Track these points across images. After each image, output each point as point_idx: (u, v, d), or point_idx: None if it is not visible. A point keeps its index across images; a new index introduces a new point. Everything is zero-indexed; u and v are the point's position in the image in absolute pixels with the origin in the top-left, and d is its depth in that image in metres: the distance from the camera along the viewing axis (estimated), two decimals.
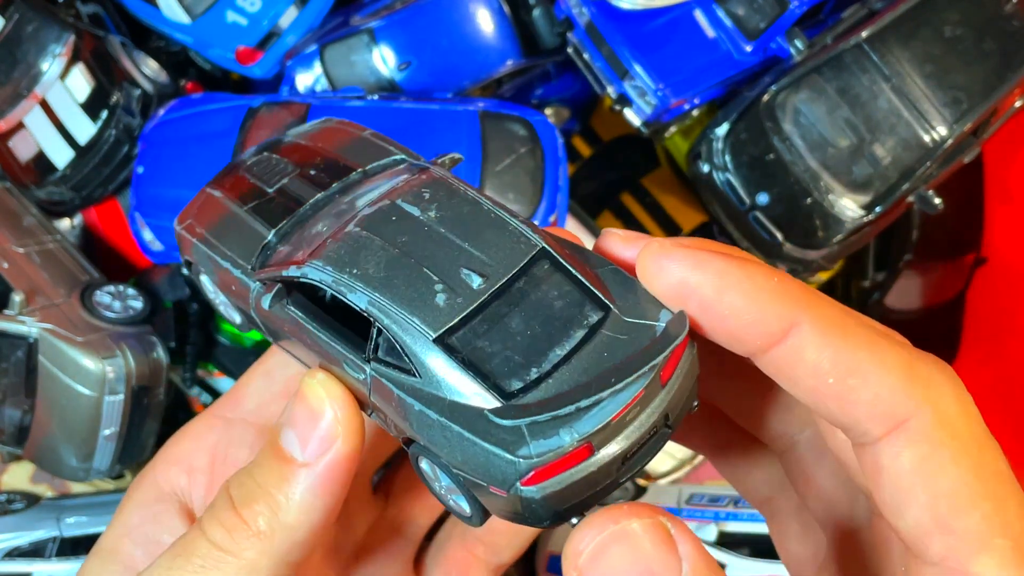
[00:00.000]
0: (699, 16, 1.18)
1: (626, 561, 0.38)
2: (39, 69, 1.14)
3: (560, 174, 1.13)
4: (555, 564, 1.21)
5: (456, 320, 0.42)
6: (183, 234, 0.55)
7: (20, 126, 1.16)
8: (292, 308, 0.48)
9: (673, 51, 1.17)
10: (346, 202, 0.50)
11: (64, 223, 1.25)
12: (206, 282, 0.56)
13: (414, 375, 0.43)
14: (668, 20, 1.18)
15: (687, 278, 0.42)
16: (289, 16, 1.23)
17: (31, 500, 1.19)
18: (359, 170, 0.53)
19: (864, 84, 1.11)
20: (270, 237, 0.50)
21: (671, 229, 1.29)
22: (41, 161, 1.18)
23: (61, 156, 1.18)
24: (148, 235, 1.15)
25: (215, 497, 0.48)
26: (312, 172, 0.54)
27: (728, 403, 0.54)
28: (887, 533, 0.47)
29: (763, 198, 1.13)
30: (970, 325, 1.30)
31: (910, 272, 1.30)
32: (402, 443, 0.47)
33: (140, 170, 1.15)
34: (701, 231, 1.31)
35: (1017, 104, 1.15)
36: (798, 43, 1.16)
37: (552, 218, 1.13)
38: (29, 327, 1.06)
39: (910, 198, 1.13)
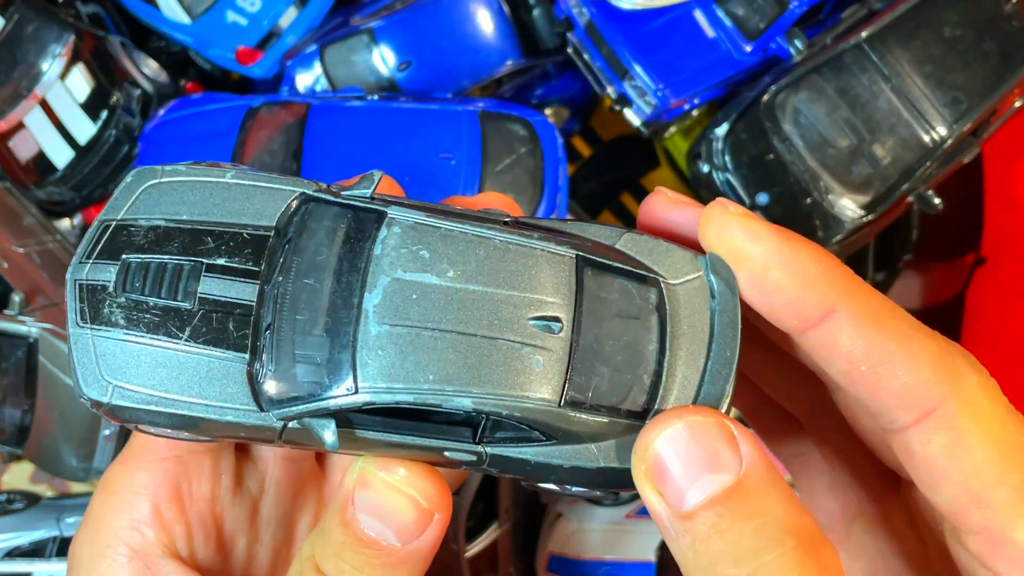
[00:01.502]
0: (699, 16, 1.18)
1: (690, 458, 0.40)
2: (39, 69, 1.14)
3: (560, 174, 1.13)
4: (555, 564, 1.21)
5: (564, 379, 0.42)
6: (117, 405, 0.43)
7: (20, 126, 1.16)
8: (365, 432, 0.44)
9: (673, 51, 1.17)
10: (308, 284, 0.44)
11: (64, 223, 1.25)
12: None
13: (549, 443, 0.43)
14: (668, 20, 1.18)
15: (741, 248, 0.44)
16: (289, 16, 1.23)
17: (31, 500, 1.18)
18: (269, 229, 0.45)
19: (864, 84, 1.11)
20: (245, 364, 0.43)
21: None
22: (41, 161, 1.18)
23: (61, 156, 1.18)
24: None
25: (300, 569, 0.47)
26: (220, 261, 0.44)
27: (758, 372, 0.55)
28: (920, 497, 0.49)
29: (763, 198, 1.13)
30: (970, 325, 1.30)
31: (910, 272, 1.30)
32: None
33: None
34: None
35: (1017, 104, 1.15)
36: (798, 43, 1.16)
37: (552, 218, 1.13)
38: (29, 327, 1.06)
39: (910, 198, 1.13)
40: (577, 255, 0.45)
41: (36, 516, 1.14)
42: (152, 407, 0.44)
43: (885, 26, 1.11)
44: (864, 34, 1.11)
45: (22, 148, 1.18)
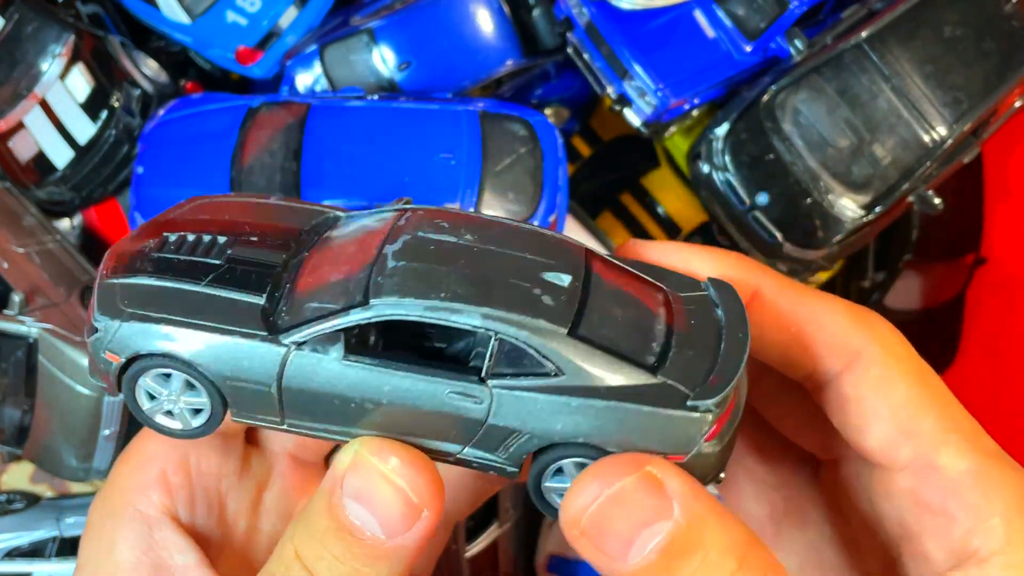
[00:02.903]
0: (699, 16, 1.18)
1: (624, 519, 0.41)
2: (39, 69, 1.14)
3: (560, 174, 1.13)
4: (555, 564, 1.22)
5: (574, 314, 0.43)
6: (116, 340, 0.46)
7: (20, 126, 1.16)
8: (361, 359, 0.44)
9: (673, 51, 1.17)
10: (332, 253, 0.47)
11: (64, 223, 1.25)
12: (149, 389, 0.49)
13: (556, 374, 0.43)
14: (668, 20, 1.18)
15: (672, 262, 0.51)
16: (289, 16, 1.23)
17: (31, 500, 1.18)
18: (305, 229, 0.50)
19: (864, 84, 1.11)
20: (262, 302, 0.46)
21: (671, 229, 1.29)
22: (41, 161, 1.18)
23: (61, 156, 1.18)
24: None
25: (281, 559, 0.47)
26: (254, 238, 0.49)
27: None
28: (842, 474, 0.55)
29: (763, 198, 1.13)
30: (970, 325, 1.30)
31: (910, 272, 1.30)
32: (531, 459, 0.45)
33: (140, 170, 1.15)
34: (701, 231, 1.31)
35: (1017, 104, 1.15)
36: (798, 43, 1.16)
37: (552, 218, 1.13)
38: (29, 327, 1.06)
39: (910, 198, 1.13)
40: (587, 248, 0.48)
41: (36, 516, 1.14)
42: (162, 328, 0.46)
43: (885, 26, 1.11)
44: (864, 34, 1.11)
45: (22, 148, 1.18)
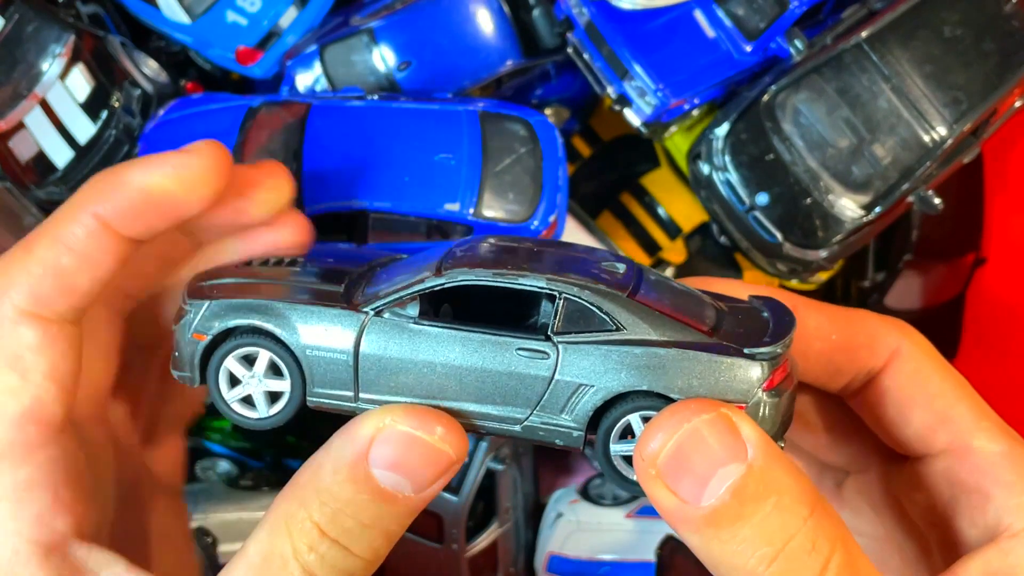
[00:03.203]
0: (699, 16, 1.18)
1: (700, 457, 0.43)
2: (39, 69, 1.14)
3: (560, 174, 1.13)
4: (555, 564, 1.22)
5: (632, 284, 0.48)
6: (203, 319, 0.50)
7: (20, 126, 1.16)
8: (433, 322, 0.48)
9: (673, 51, 1.17)
10: (398, 265, 0.53)
11: None
12: (233, 370, 0.51)
13: (619, 329, 0.46)
14: (668, 20, 1.18)
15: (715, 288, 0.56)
16: (289, 16, 1.23)
17: None
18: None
19: (864, 84, 1.11)
20: (340, 289, 0.51)
21: (671, 229, 1.29)
22: (41, 161, 1.18)
23: (61, 156, 1.18)
24: None
25: (299, 533, 0.47)
26: (326, 262, 0.56)
27: None
28: (862, 488, 0.59)
29: (763, 198, 1.13)
30: (970, 325, 1.30)
31: (910, 272, 1.30)
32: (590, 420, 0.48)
33: None
34: (701, 231, 1.31)
35: (1017, 104, 1.15)
36: (798, 43, 1.16)
37: (552, 218, 1.13)
38: None
39: (910, 198, 1.13)
40: (636, 262, 0.53)
41: None
42: (249, 302, 0.50)
43: (885, 26, 1.12)
44: (864, 34, 1.11)
45: (22, 148, 1.18)
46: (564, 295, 0.46)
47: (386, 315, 0.48)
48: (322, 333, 0.49)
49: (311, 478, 0.46)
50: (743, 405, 0.45)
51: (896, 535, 0.56)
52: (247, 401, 0.52)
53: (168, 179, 0.51)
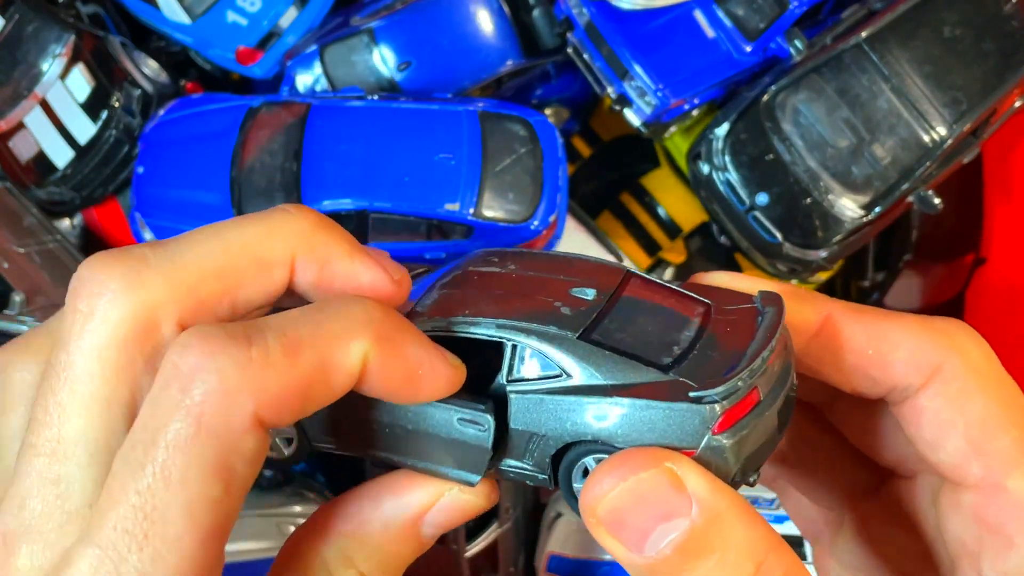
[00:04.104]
0: (699, 16, 1.18)
1: (641, 512, 0.42)
2: (39, 69, 1.15)
3: (560, 174, 1.13)
4: (555, 564, 1.22)
5: (589, 322, 0.45)
6: None
7: (20, 126, 1.16)
8: None
9: (673, 51, 1.17)
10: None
11: (64, 223, 1.25)
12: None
13: (565, 376, 0.45)
14: (668, 20, 1.18)
15: (735, 285, 0.51)
16: (289, 16, 1.23)
17: None
18: None
19: (864, 84, 1.11)
20: None
21: (671, 229, 1.29)
22: (41, 161, 1.18)
23: (61, 156, 1.18)
24: (148, 235, 1.15)
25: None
26: None
27: None
28: (907, 490, 0.54)
29: (763, 198, 1.13)
30: (970, 325, 1.30)
31: (910, 272, 1.30)
32: (550, 462, 0.47)
33: (140, 170, 1.15)
34: (701, 231, 1.31)
35: (1017, 104, 1.15)
36: (798, 43, 1.16)
37: (552, 218, 1.13)
38: (29, 327, 1.06)
39: (910, 198, 1.13)
40: (629, 271, 0.50)
41: None
42: None
43: (885, 26, 1.11)
44: (864, 34, 1.11)
45: (22, 148, 1.18)
46: (511, 343, 0.45)
47: None
48: None
49: (356, 529, 0.47)
50: (692, 451, 0.43)
51: (923, 559, 0.54)
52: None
53: None
